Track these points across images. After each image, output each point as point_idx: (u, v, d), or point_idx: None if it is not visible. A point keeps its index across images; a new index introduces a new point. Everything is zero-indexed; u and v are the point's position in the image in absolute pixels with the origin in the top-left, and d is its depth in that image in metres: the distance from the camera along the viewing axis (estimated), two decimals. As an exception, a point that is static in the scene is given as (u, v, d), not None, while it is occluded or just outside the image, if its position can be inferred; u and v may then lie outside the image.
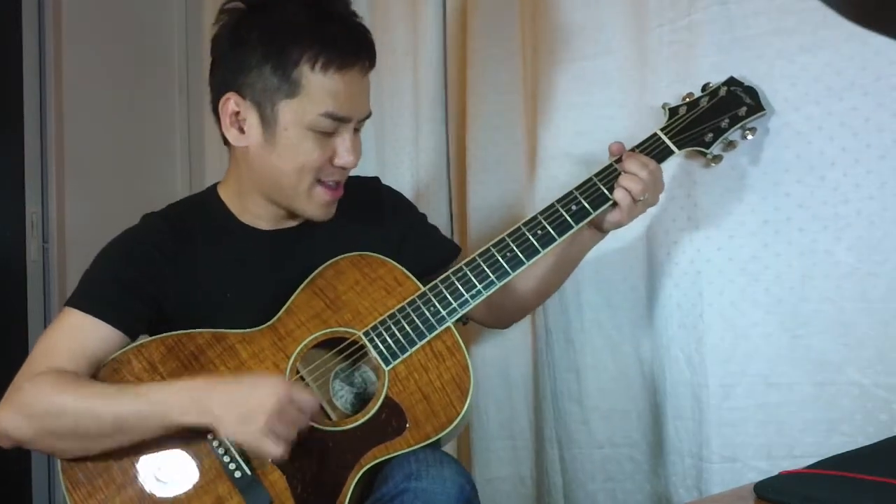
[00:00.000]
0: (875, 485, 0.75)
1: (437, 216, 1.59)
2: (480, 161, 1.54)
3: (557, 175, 1.40)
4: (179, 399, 1.00)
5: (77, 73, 2.20)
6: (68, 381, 1.02)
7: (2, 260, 2.13)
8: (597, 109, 1.36)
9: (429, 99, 1.64)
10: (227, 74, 1.11)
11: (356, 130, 1.13)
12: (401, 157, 1.69)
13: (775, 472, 0.82)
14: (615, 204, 1.13)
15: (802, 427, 1.16)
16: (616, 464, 1.39)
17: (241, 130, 1.11)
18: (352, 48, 1.08)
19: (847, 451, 0.88)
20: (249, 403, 0.98)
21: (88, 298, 1.10)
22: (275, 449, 0.98)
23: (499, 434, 1.55)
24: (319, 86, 1.07)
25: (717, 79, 1.19)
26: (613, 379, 1.38)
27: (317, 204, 1.14)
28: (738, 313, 1.20)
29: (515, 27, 1.50)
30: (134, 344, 1.10)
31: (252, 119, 1.10)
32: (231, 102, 1.10)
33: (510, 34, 1.51)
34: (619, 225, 1.16)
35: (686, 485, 1.26)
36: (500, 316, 1.34)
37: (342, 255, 1.16)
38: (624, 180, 1.11)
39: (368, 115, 1.15)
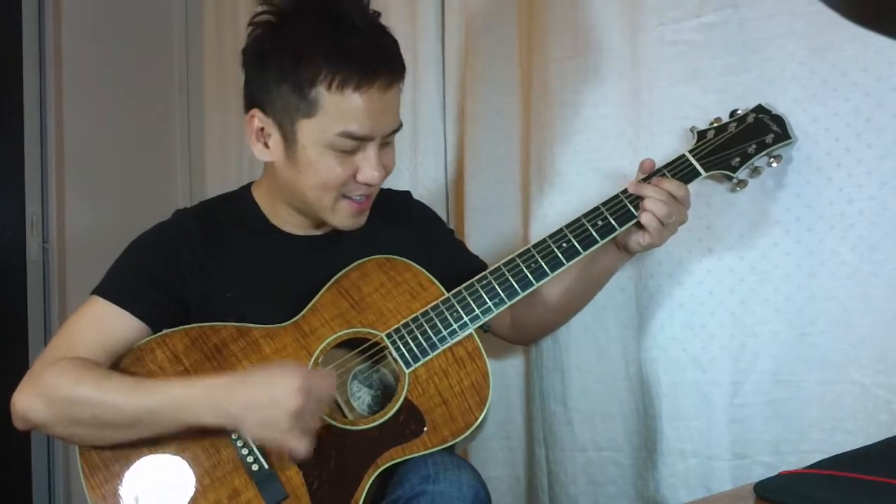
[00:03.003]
0: (875, 485, 0.75)
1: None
2: (479, 161, 1.54)
3: (552, 174, 1.40)
4: (199, 399, 1.00)
5: (77, 72, 2.20)
6: (90, 370, 1.03)
7: (2, 260, 2.13)
8: (592, 108, 1.36)
9: (427, 99, 1.65)
10: (252, 90, 1.11)
11: (386, 144, 1.11)
12: (399, 156, 1.68)
13: (783, 468, 0.83)
14: (641, 224, 1.13)
15: (810, 423, 1.17)
16: (599, 467, 1.39)
17: (266, 146, 1.12)
18: (369, 65, 1.04)
19: (847, 451, 0.88)
20: (271, 406, 0.97)
21: (115, 288, 1.11)
22: (301, 446, 0.98)
23: (495, 434, 1.55)
24: (336, 105, 1.04)
25: (727, 80, 1.20)
26: (598, 381, 1.38)
27: (343, 216, 1.13)
28: (748, 311, 1.21)
29: (513, 27, 1.51)
30: (158, 334, 1.11)
31: (275, 136, 1.10)
32: (255, 119, 1.11)
33: (508, 34, 1.51)
34: (650, 247, 1.16)
35: (689, 484, 1.26)
36: (522, 332, 1.35)
37: (369, 258, 1.17)
38: (650, 204, 1.11)
39: (398, 128, 1.11)
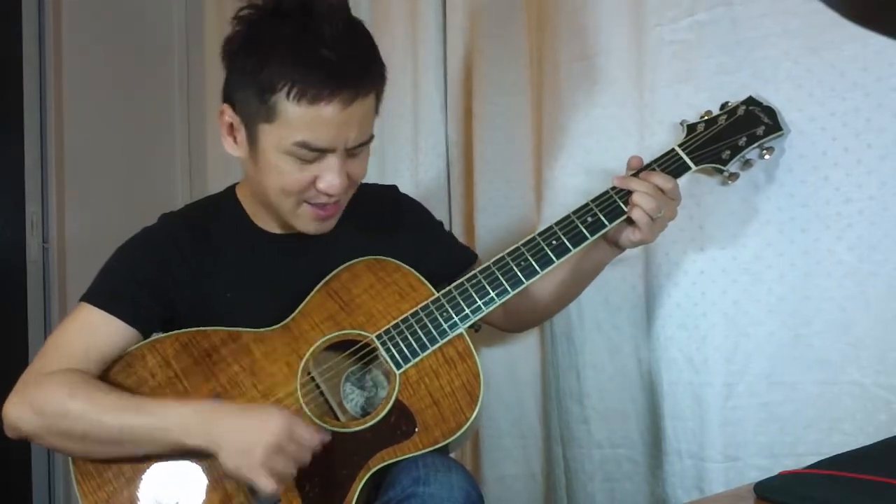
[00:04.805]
0: (875, 485, 0.75)
1: (436, 215, 1.60)
2: (487, 161, 1.54)
3: (563, 176, 1.40)
4: (188, 422, 1.00)
5: (77, 73, 2.21)
6: (81, 385, 1.02)
7: (2, 260, 2.13)
8: (600, 109, 1.36)
9: (428, 99, 1.65)
10: (226, 85, 1.10)
11: (354, 155, 1.09)
12: (400, 156, 1.70)
13: (778, 471, 0.83)
14: (631, 220, 1.12)
15: (806, 425, 1.16)
16: (615, 464, 1.39)
17: (236, 141, 1.11)
18: (331, 78, 1.00)
19: (846, 451, 0.88)
20: (250, 436, 0.97)
21: (104, 295, 1.11)
22: (266, 484, 0.96)
23: (509, 432, 1.55)
24: (294, 115, 1.02)
25: (722, 79, 1.20)
26: (612, 379, 1.38)
27: (305, 221, 1.12)
28: (741, 312, 1.20)
29: (521, 28, 1.51)
30: (148, 340, 1.11)
31: (241, 134, 1.09)
32: (226, 115, 1.10)
33: (516, 35, 1.51)
34: (641, 243, 1.15)
35: (685, 485, 1.26)
36: (516, 321, 1.35)
37: (358, 259, 1.17)
38: (639, 198, 1.11)
39: (367, 141, 1.09)
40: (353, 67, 1.03)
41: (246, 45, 1.05)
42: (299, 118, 1.02)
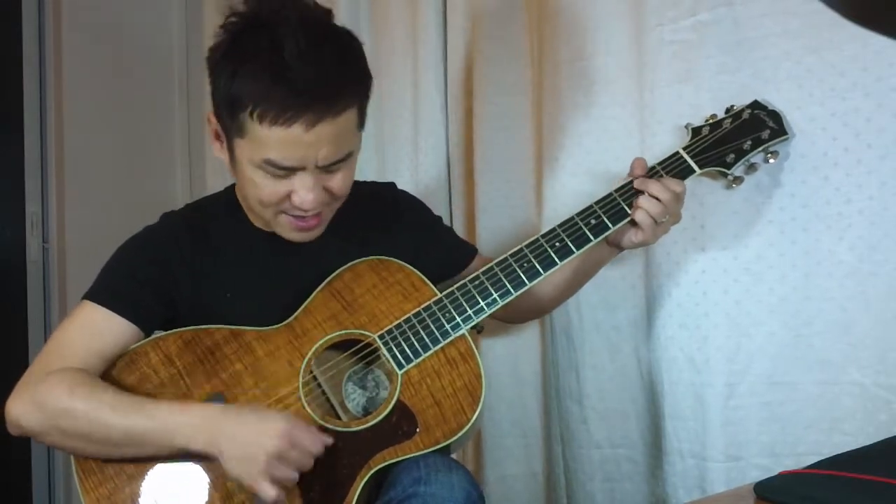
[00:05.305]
0: (875, 485, 0.75)
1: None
2: (488, 162, 1.54)
3: (564, 176, 1.41)
4: (190, 426, 1.00)
5: (77, 73, 2.20)
6: (82, 383, 1.02)
7: (2, 260, 2.13)
8: (600, 109, 1.36)
9: (428, 99, 1.65)
10: (212, 92, 1.08)
11: (331, 171, 1.06)
12: (400, 156, 1.70)
13: (779, 470, 0.83)
14: (635, 223, 1.13)
15: (807, 425, 1.17)
16: (614, 464, 1.40)
17: (222, 147, 1.11)
18: (293, 101, 0.98)
19: (847, 451, 0.88)
20: (252, 443, 0.97)
21: (105, 292, 1.11)
22: (267, 491, 0.96)
23: (510, 431, 1.56)
24: (259, 134, 1.00)
25: (723, 79, 1.20)
26: (611, 379, 1.39)
27: (285, 230, 1.12)
28: (743, 312, 1.21)
29: (522, 28, 1.51)
30: (151, 337, 1.11)
31: (225, 142, 1.09)
32: (212, 121, 1.10)
33: (516, 35, 1.51)
34: (643, 245, 1.16)
35: (686, 485, 1.26)
36: (515, 316, 1.36)
37: (361, 259, 1.17)
38: (644, 202, 1.11)
39: (341, 159, 1.06)
40: (320, 88, 0.99)
41: (224, 57, 1.03)
42: (264, 137, 1.01)
